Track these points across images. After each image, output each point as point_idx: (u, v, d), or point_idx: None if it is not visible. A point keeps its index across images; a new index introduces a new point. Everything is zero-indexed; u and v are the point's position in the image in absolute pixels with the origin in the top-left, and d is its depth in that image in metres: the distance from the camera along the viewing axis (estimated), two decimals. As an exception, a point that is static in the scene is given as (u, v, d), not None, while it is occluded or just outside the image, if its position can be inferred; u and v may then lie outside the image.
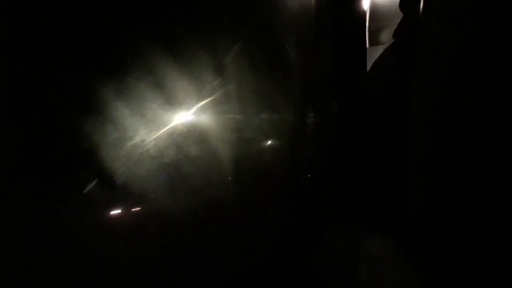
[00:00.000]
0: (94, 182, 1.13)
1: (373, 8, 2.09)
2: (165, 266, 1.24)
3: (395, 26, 1.51)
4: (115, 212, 1.20)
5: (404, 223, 1.28)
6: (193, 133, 1.37)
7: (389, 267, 1.40)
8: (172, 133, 1.33)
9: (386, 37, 2.03)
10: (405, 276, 1.28)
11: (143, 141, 1.25)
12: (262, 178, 1.55)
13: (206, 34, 1.37)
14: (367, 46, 1.99)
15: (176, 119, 1.34)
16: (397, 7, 1.46)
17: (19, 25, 1.00)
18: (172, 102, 1.29)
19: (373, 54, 1.81)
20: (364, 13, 1.94)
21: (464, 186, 1.04)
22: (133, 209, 1.25)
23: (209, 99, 1.40)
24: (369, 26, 2.04)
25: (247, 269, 1.38)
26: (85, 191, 1.10)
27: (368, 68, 1.83)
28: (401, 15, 1.46)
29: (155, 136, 1.29)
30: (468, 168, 1.03)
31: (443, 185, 1.10)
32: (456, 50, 1.06)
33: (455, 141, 1.07)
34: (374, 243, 1.51)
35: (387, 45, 1.64)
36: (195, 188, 1.34)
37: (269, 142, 1.65)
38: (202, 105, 1.38)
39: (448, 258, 1.09)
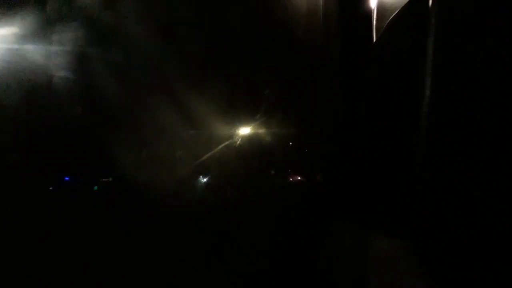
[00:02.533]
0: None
1: (380, 6, 2.08)
2: (169, 264, 1.24)
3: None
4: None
5: (412, 222, 1.27)
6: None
7: (396, 266, 1.39)
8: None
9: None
10: (413, 275, 1.27)
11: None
12: (267, 177, 1.55)
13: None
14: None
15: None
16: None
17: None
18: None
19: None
20: (370, 11, 1.94)
21: (473, 184, 1.04)
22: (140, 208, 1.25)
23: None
24: (376, 24, 2.04)
25: (253, 267, 1.38)
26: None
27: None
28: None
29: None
30: (475, 166, 1.03)
31: (452, 184, 1.09)
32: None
33: (461, 140, 1.07)
34: (381, 242, 1.50)
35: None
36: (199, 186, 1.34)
37: (275, 139, 1.65)
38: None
39: (455, 257, 1.09)
